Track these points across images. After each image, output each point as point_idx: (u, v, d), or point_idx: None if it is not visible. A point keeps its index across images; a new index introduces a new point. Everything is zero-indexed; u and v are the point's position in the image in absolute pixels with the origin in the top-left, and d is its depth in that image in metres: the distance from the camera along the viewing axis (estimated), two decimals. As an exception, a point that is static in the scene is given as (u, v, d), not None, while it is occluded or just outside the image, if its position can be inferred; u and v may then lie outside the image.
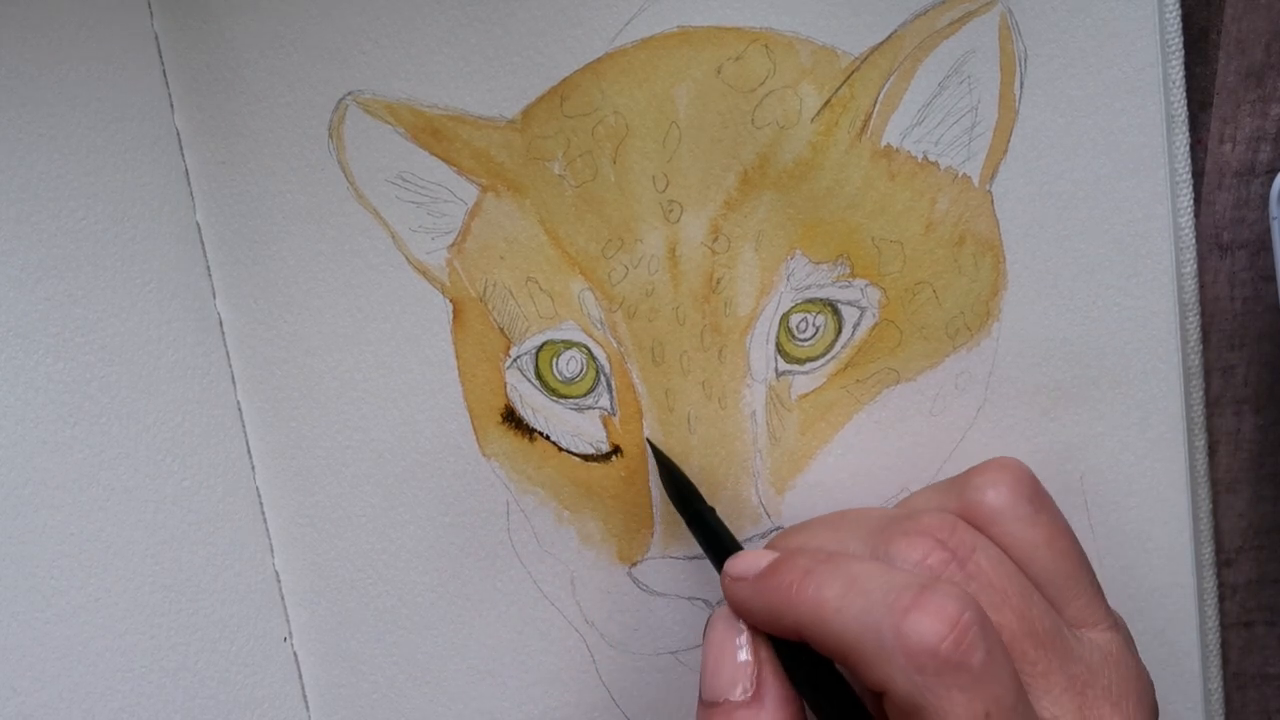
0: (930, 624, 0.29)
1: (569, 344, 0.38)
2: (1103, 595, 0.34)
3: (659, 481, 0.38)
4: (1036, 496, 0.34)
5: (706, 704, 0.33)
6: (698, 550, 0.38)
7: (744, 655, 0.33)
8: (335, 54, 0.36)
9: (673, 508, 0.38)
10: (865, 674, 0.30)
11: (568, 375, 0.38)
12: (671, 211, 0.37)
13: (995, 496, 0.34)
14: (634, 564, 0.39)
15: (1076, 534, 0.35)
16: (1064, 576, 0.33)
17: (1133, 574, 0.39)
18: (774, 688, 0.33)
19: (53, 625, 0.35)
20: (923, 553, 0.32)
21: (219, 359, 0.38)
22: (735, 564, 0.34)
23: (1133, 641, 0.35)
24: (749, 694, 0.33)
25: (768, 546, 0.35)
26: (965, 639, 0.29)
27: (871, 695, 0.31)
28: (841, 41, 0.36)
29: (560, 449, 0.39)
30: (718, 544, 0.36)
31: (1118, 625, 0.34)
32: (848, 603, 0.31)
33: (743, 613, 0.33)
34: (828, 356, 0.38)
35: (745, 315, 0.37)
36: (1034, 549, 0.33)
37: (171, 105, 0.37)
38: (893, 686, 0.30)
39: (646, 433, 0.38)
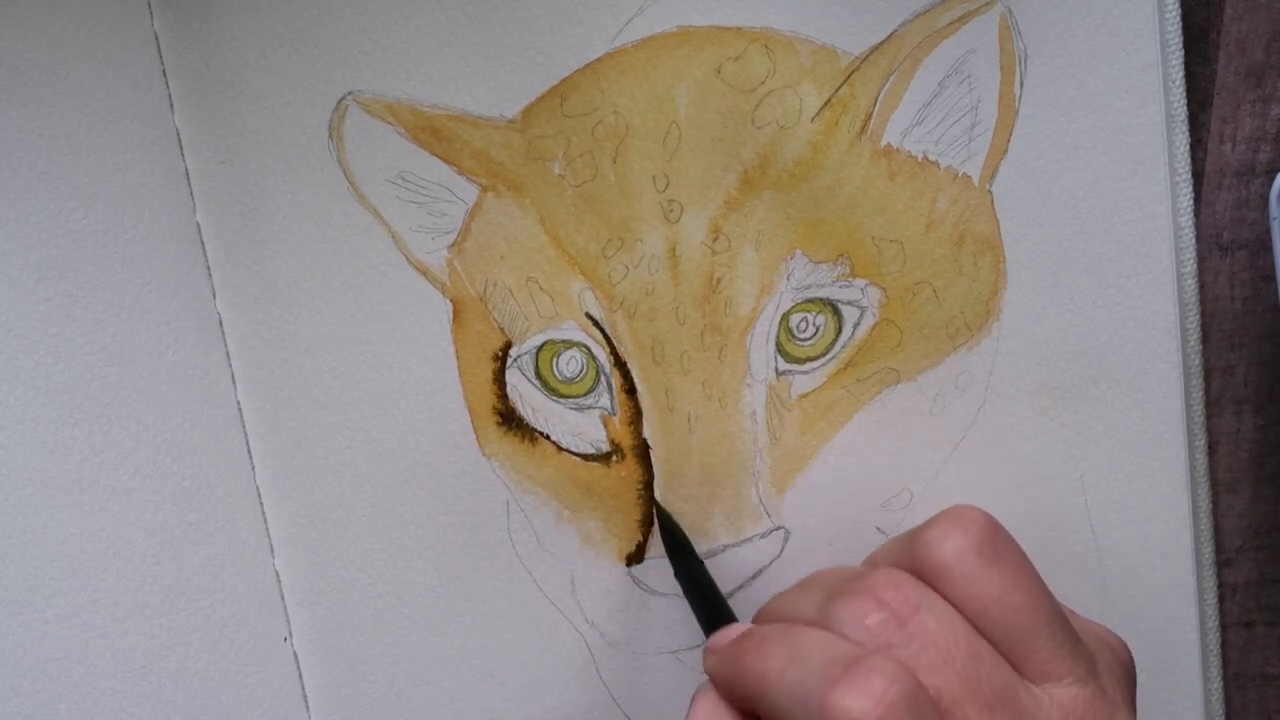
0: (854, 700, 0.29)
1: (569, 344, 0.38)
2: (1073, 645, 0.32)
3: (659, 480, 0.38)
4: (989, 548, 0.32)
5: None
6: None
7: None
8: (335, 54, 0.36)
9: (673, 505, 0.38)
10: None
11: (568, 375, 0.38)
12: (671, 211, 0.37)
13: (942, 551, 0.32)
14: (634, 564, 0.39)
15: (1076, 536, 0.34)
16: (1021, 631, 0.32)
17: (1133, 574, 0.39)
18: None
19: (53, 625, 0.35)
20: (862, 613, 0.31)
21: (219, 359, 0.38)
22: (716, 637, 0.33)
23: (1119, 685, 0.33)
24: None
25: (756, 616, 0.34)
26: (890, 716, 0.28)
27: None
28: (841, 41, 0.36)
29: (560, 449, 0.39)
30: (709, 614, 0.36)
31: (1090, 675, 0.32)
32: (788, 674, 0.30)
33: (715, 684, 0.33)
34: (828, 356, 0.38)
35: (745, 315, 0.37)
36: (985, 605, 0.32)
37: (171, 105, 0.37)
38: None
39: (646, 431, 0.38)
